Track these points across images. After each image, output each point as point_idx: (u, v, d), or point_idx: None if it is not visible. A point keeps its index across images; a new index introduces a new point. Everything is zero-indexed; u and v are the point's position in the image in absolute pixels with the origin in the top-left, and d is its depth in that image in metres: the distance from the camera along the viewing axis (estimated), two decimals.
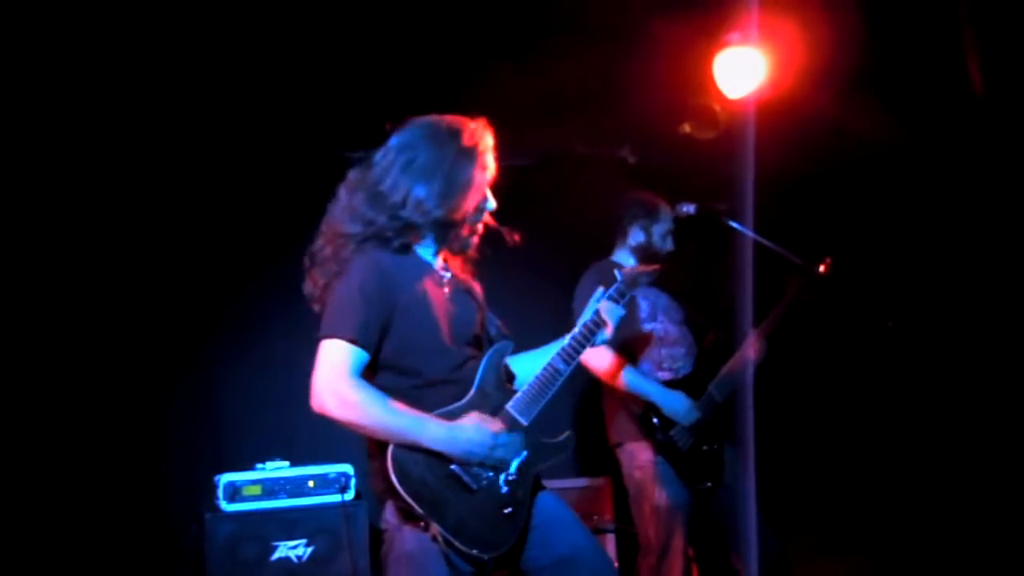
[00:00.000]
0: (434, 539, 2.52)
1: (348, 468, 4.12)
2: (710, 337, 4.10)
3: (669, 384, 3.89)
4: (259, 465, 4.12)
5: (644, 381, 3.84)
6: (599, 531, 4.51)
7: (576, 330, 2.81)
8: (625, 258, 4.12)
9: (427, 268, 2.73)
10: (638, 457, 3.88)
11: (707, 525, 3.98)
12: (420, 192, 2.63)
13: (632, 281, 2.96)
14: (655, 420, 3.81)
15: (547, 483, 2.79)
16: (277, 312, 4.53)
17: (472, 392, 2.65)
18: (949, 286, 4.89)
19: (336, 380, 2.49)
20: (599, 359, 3.81)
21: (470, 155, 2.69)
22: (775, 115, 4.29)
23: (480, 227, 2.79)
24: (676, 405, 3.81)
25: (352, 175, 2.74)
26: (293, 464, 4.15)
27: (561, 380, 2.73)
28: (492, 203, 2.77)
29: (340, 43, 4.15)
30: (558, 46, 3.98)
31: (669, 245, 4.09)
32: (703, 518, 3.94)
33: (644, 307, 4.01)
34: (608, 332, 2.83)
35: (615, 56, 4.11)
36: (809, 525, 4.77)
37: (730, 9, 4.08)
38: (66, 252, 4.56)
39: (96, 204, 4.65)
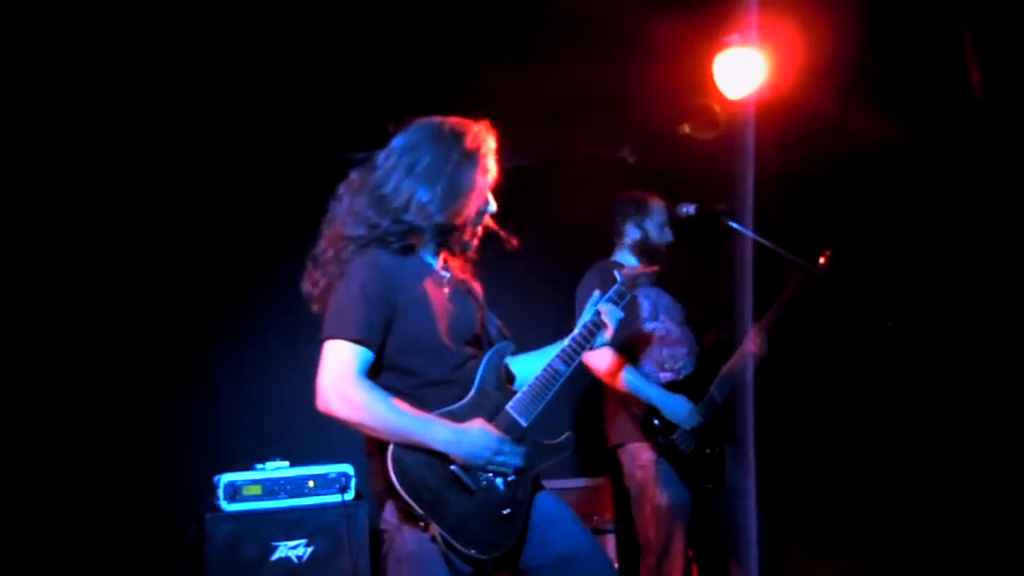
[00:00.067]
0: (433, 539, 2.52)
1: (348, 468, 4.12)
2: (710, 336, 4.10)
3: (671, 385, 3.88)
4: (259, 465, 4.12)
5: (645, 384, 3.84)
6: (599, 531, 4.51)
7: (576, 331, 2.82)
8: (625, 257, 4.12)
9: (427, 269, 2.73)
10: (640, 457, 3.88)
11: (707, 527, 3.98)
12: (423, 196, 2.63)
13: (632, 282, 2.97)
14: (656, 423, 3.80)
15: (547, 483, 2.79)
16: (277, 312, 4.53)
17: (472, 392, 2.65)
18: (949, 286, 4.89)
19: (341, 381, 2.49)
20: (600, 359, 3.81)
21: (473, 158, 2.69)
22: (775, 115, 4.29)
23: (480, 229, 2.79)
24: (677, 409, 3.80)
25: (355, 176, 2.74)
26: (293, 464, 4.15)
27: (561, 381, 2.74)
28: (493, 206, 2.78)
29: (340, 43, 4.15)
30: (558, 46, 3.98)
31: (668, 236, 4.09)
32: (704, 520, 3.94)
33: (646, 307, 4.01)
34: (608, 334, 2.84)
35: (615, 56, 4.12)
36: (808, 525, 4.78)
37: (730, 10, 4.08)
38: (66, 252, 4.56)
39: (96, 204, 4.64)
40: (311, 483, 4.10)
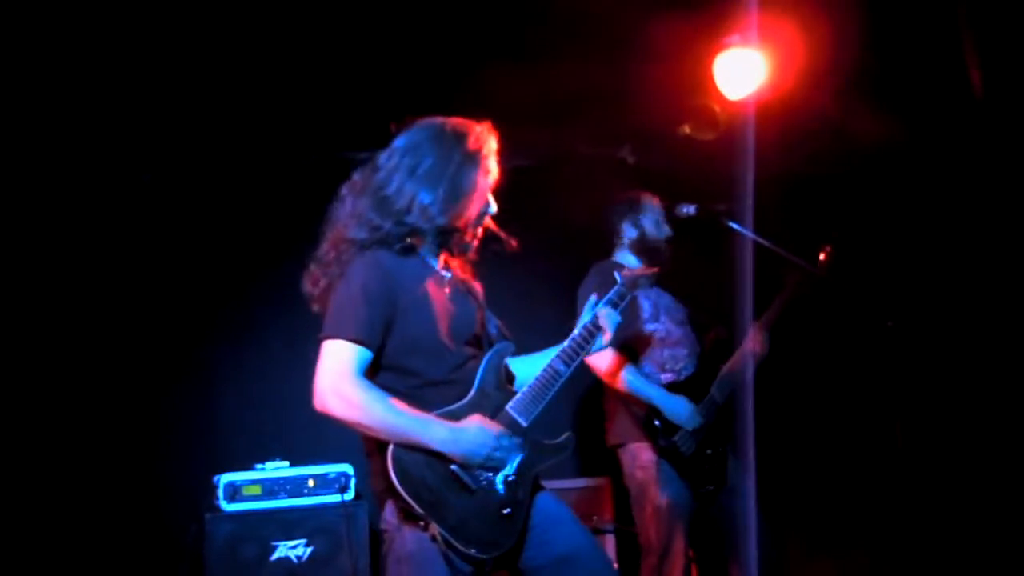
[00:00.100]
0: (433, 539, 2.52)
1: (348, 468, 4.12)
2: (711, 335, 4.10)
3: (672, 386, 3.88)
4: (259, 465, 4.12)
5: (646, 384, 3.83)
6: (599, 531, 4.51)
7: (576, 332, 2.82)
8: (625, 257, 4.12)
9: (429, 269, 2.73)
10: (640, 457, 3.88)
11: (707, 527, 3.97)
12: (426, 198, 2.63)
13: (632, 283, 2.97)
14: (657, 424, 3.80)
15: (547, 483, 2.79)
16: (277, 312, 4.53)
17: (472, 392, 2.65)
18: (949, 286, 4.89)
19: (339, 380, 2.49)
20: (601, 360, 3.80)
21: (475, 160, 2.69)
22: (775, 116, 4.29)
23: (480, 230, 2.79)
24: (679, 409, 3.80)
25: (357, 177, 2.74)
26: (293, 464, 4.15)
27: (561, 381, 2.74)
28: (493, 207, 2.78)
29: (341, 43, 4.15)
30: (558, 47, 3.98)
31: (665, 231, 4.08)
32: (703, 520, 3.94)
33: (646, 307, 4.01)
34: (605, 339, 2.84)
35: (615, 56, 4.11)
36: (808, 525, 4.78)
37: (730, 10, 4.08)
38: (66, 252, 4.56)
39: (96, 204, 4.64)
40: (311, 483, 4.10)
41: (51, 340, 4.48)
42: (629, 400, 3.87)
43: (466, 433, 2.55)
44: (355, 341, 2.51)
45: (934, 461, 4.69)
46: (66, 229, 4.57)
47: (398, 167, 2.66)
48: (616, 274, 2.99)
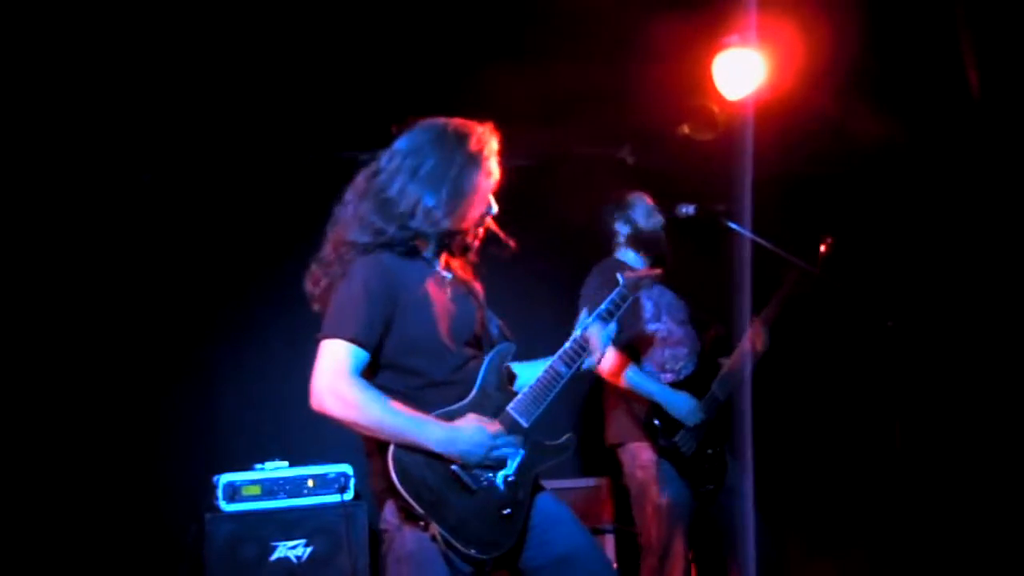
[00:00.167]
0: (433, 539, 2.52)
1: (347, 468, 4.12)
2: (711, 333, 4.10)
3: (672, 385, 3.87)
4: (258, 465, 4.12)
5: (647, 380, 3.83)
6: (598, 532, 4.51)
7: (577, 332, 2.81)
8: (625, 254, 4.11)
9: (430, 270, 2.72)
10: (640, 457, 3.88)
11: (706, 527, 3.97)
12: (429, 201, 2.62)
13: (634, 285, 2.96)
14: (657, 423, 3.80)
15: (547, 483, 2.79)
16: (277, 312, 4.54)
17: (473, 393, 2.65)
18: (949, 286, 4.90)
19: (336, 380, 2.49)
20: (604, 360, 3.79)
21: (476, 161, 2.68)
22: (774, 116, 4.30)
23: (481, 231, 2.79)
24: (680, 405, 3.80)
25: (359, 179, 2.73)
26: (292, 464, 4.15)
27: (562, 383, 2.74)
28: (494, 208, 2.78)
29: (341, 43, 4.15)
30: (558, 47, 3.99)
31: (658, 220, 4.06)
32: (702, 520, 3.94)
33: (648, 308, 4.00)
34: (595, 359, 2.82)
35: (615, 56, 4.12)
36: (808, 525, 4.78)
37: (729, 10, 4.09)
38: (66, 252, 4.56)
39: (96, 204, 4.65)
40: (310, 483, 4.10)
41: (51, 340, 4.48)
42: (630, 397, 3.87)
43: (463, 433, 2.55)
44: (353, 341, 2.51)
45: (933, 461, 4.70)
46: (66, 229, 4.57)
47: (400, 169, 2.66)
48: (619, 275, 2.98)
